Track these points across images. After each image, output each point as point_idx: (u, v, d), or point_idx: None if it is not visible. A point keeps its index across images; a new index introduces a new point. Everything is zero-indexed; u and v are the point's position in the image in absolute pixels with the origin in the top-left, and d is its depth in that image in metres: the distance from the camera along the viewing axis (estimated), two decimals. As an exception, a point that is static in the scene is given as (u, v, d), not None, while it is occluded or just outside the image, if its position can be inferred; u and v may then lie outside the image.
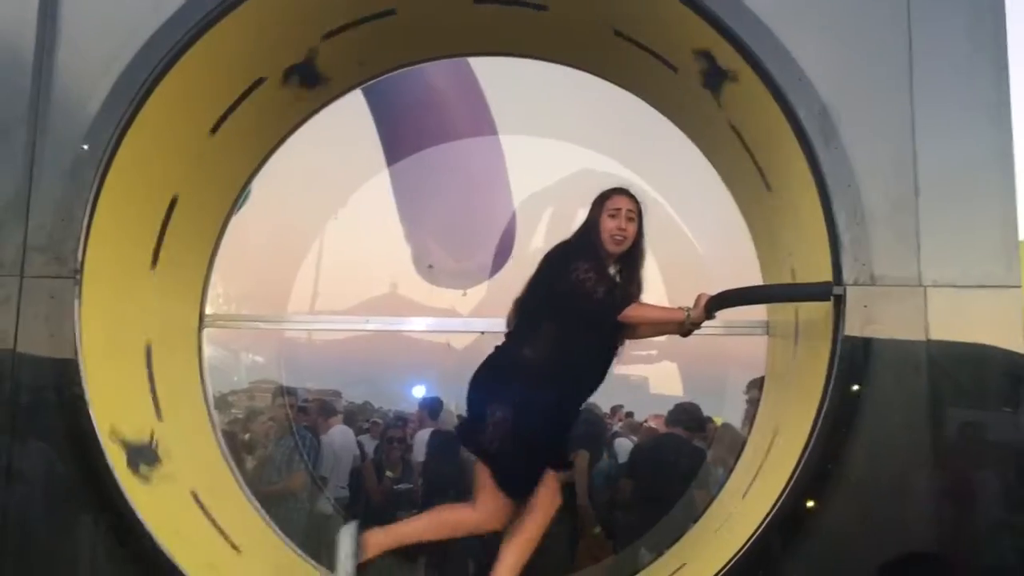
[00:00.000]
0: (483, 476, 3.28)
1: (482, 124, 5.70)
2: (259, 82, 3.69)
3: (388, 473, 6.10)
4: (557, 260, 3.36)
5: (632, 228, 3.38)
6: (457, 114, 5.69)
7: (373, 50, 3.97)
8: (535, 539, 3.28)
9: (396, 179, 5.78)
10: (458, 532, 3.39)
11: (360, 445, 6.26)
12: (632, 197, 3.43)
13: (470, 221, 5.93)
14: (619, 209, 3.38)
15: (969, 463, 3.03)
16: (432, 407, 6.70)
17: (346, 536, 3.23)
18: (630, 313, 3.25)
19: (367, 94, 5.19)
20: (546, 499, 3.29)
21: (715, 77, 3.40)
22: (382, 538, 3.29)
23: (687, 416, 5.55)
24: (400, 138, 5.72)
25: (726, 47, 3.20)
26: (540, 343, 3.23)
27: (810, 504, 2.94)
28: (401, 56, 4.17)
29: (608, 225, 3.36)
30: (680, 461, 5.33)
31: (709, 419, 6.24)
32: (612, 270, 3.39)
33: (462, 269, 5.86)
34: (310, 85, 3.94)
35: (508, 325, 3.42)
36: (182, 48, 3.27)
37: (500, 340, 3.42)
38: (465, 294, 5.79)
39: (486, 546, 3.59)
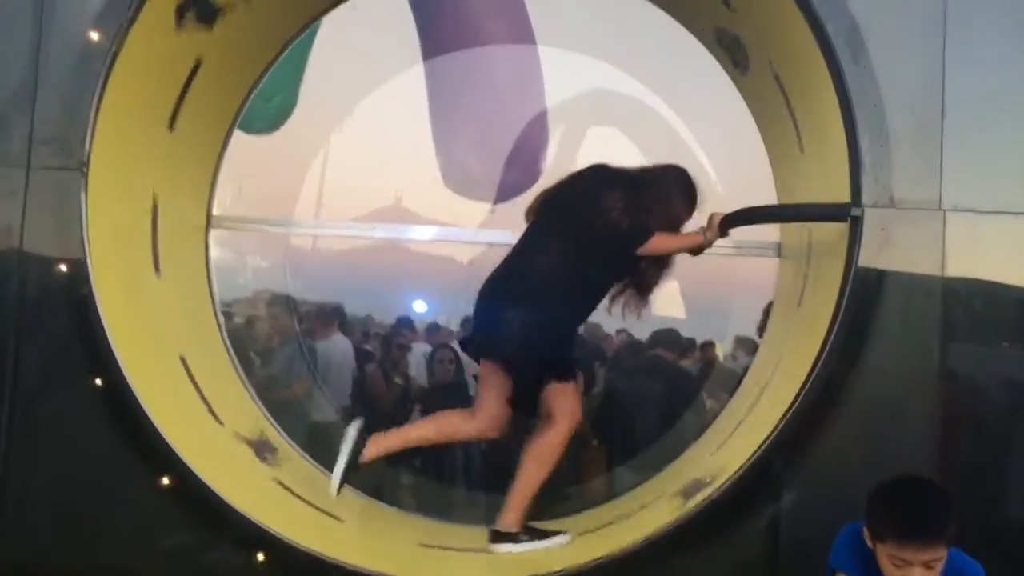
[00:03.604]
0: (484, 385, 3.37)
1: (521, 32, 5.45)
2: None
3: (397, 380, 6.16)
4: (594, 180, 3.34)
5: None
6: (496, 20, 5.48)
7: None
8: (557, 450, 3.32)
9: (431, 76, 5.51)
10: (457, 438, 3.50)
11: (360, 354, 6.28)
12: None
13: (502, 133, 5.66)
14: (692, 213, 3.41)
15: (975, 395, 3.02)
16: (430, 327, 6.72)
17: (352, 431, 3.29)
18: (651, 246, 3.26)
19: None
20: (567, 410, 3.32)
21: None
22: (384, 440, 3.35)
23: (668, 340, 5.59)
24: (437, 34, 5.48)
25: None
26: (549, 259, 3.23)
27: (811, 428, 2.95)
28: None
29: (681, 217, 3.38)
30: (665, 384, 5.38)
31: (711, 343, 6.29)
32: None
33: (489, 182, 5.69)
34: None
35: (527, 218, 3.41)
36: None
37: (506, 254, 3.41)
38: (493, 211, 5.66)
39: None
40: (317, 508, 3.41)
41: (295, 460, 3.82)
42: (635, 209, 3.23)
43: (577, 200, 3.30)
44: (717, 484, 2.99)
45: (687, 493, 3.19)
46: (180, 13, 3.30)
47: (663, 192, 3.34)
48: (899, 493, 2.36)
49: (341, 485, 3.23)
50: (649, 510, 3.39)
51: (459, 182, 5.69)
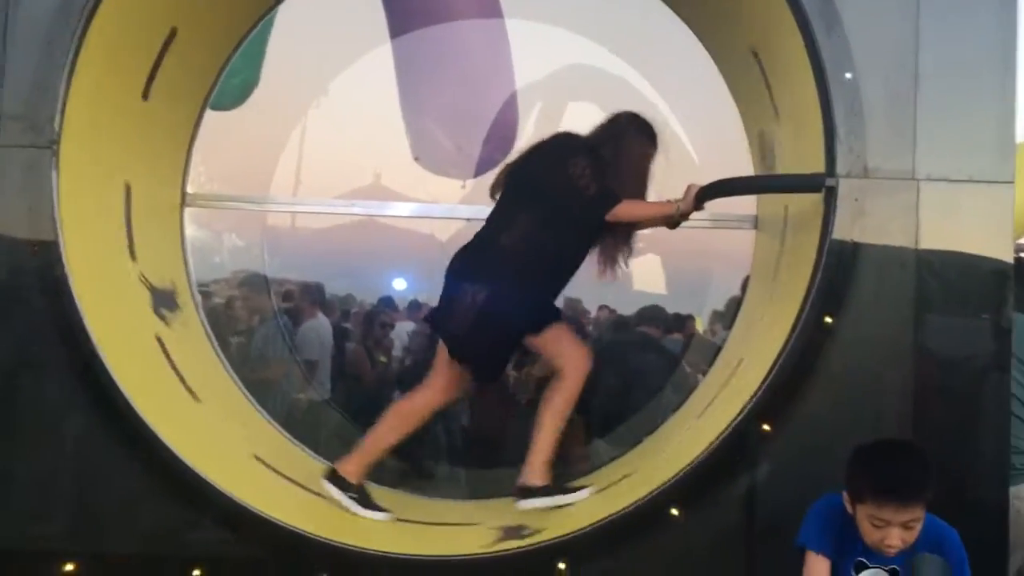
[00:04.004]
0: (439, 354, 3.41)
1: (488, 5, 5.48)
2: None
3: (381, 359, 6.17)
4: (558, 148, 3.33)
5: None
6: None
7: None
8: (571, 401, 3.32)
9: (399, 53, 5.54)
10: (422, 417, 3.48)
11: (341, 333, 6.28)
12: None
13: (472, 108, 5.74)
14: (654, 155, 3.45)
15: (948, 367, 3.05)
16: (411, 305, 6.73)
17: (326, 486, 3.33)
18: (619, 212, 3.25)
19: None
20: (570, 355, 3.32)
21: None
22: (355, 463, 3.39)
23: (653, 316, 5.64)
24: (406, 10, 5.49)
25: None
26: (517, 232, 3.24)
27: (787, 398, 2.98)
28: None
29: (642, 164, 3.42)
30: (650, 360, 5.42)
31: (690, 317, 6.33)
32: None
33: (462, 157, 5.71)
34: None
35: (492, 193, 3.43)
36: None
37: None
38: (464, 186, 5.70)
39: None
40: (298, 484, 3.42)
41: (274, 437, 3.82)
42: (601, 174, 3.24)
43: (542, 170, 3.31)
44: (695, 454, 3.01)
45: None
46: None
47: (620, 140, 3.37)
48: (879, 453, 2.42)
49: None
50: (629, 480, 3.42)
51: (431, 159, 5.72)
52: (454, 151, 5.67)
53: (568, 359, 3.31)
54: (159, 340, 3.43)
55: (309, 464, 3.72)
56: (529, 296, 3.27)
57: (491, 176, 3.57)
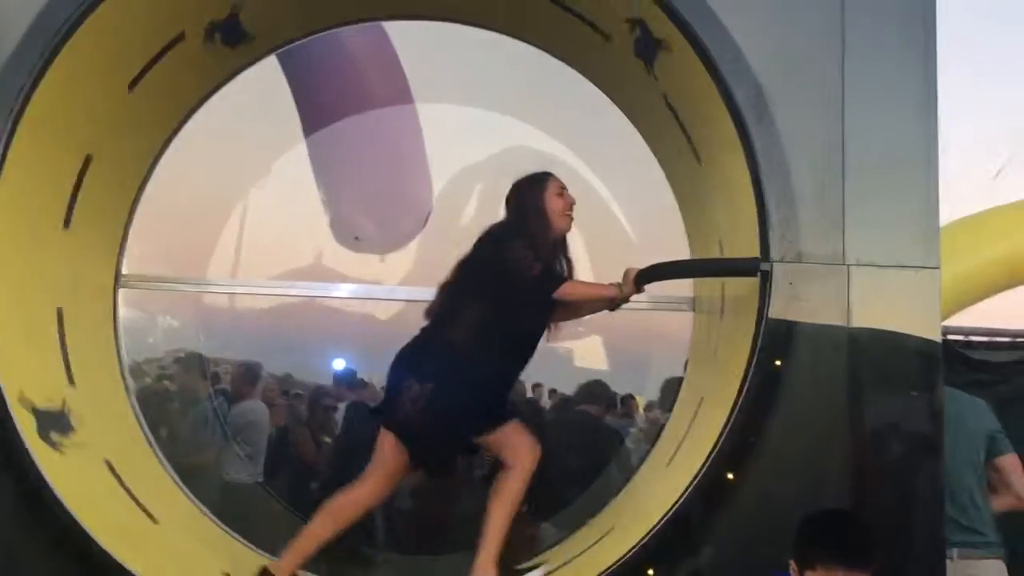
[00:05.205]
0: (381, 445, 3.32)
1: (399, 92, 5.71)
2: (180, 37, 3.55)
3: (326, 439, 6.07)
4: (493, 239, 3.36)
5: None
6: (374, 82, 5.65)
7: (302, 6, 3.87)
8: (520, 491, 3.27)
9: (313, 148, 5.74)
10: (357, 513, 3.39)
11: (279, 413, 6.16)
12: None
13: (387, 189, 5.92)
14: (563, 188, 3.44)
15: (882, 443, 3.11)
16: (348, 379, 6.65)
17: None
18: (565, 291, 3.29)
19: (283, 61, 5.10)
20: (523, 451, 3.28)
21: (648, 47, 3.42)
22: (288, 562, 3.29)
23: (596, 394, 5.64)
24: (318, 107, 5.65)
25: (660, 15, 3.21)
26: (466, 325, 3.21)
27: (730, 475, 3.00)
28: (334, 14, 4.06)
29: (557, 204, 3.41)
30: (593, 439, 5.40)
31: (631, 396, 6.36)
32: (551, 250, 3.39)
33: (380, 235, 5.86)
34: (233, 43, 3.79)
35: (428, 315, 3.37)
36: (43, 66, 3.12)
37: (424, 311, 3.38)
38: (383, 260, 5.80)
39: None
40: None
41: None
42: (541, 250, 3.27)
43: (488, 258, 3.31)
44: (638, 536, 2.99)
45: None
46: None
47: (537, 204, 3.39)
48: (827, 522, 2.53)
49: None
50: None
51: (349, 239, 5.93)
52: (370, 229, 5.84)
53: (517, 450, 3.28)
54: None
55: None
56: (483, 393, 3.24)
57: (409, 250, 3.59)
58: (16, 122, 3.08)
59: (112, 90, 3.45)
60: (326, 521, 3.33)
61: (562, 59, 4.07)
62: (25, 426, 3.01)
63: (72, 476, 3.08)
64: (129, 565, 2.94)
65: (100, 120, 3.46)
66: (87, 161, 3.45)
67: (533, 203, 3.40)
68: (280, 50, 4.23)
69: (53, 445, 3.12)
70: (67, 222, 3.44)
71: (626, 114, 4.05)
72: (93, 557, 2.92)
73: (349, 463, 5.65)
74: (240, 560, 3.47)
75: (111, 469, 3.33)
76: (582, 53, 3.93)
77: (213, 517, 3.77)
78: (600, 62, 3.90)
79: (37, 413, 3.10)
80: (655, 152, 4.05)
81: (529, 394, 6.58)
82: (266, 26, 3.85)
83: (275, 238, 6.66)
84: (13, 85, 3.09)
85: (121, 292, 3.86)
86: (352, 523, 3.39)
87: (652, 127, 3.95)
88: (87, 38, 3.17)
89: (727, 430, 3.01)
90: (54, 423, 3.17)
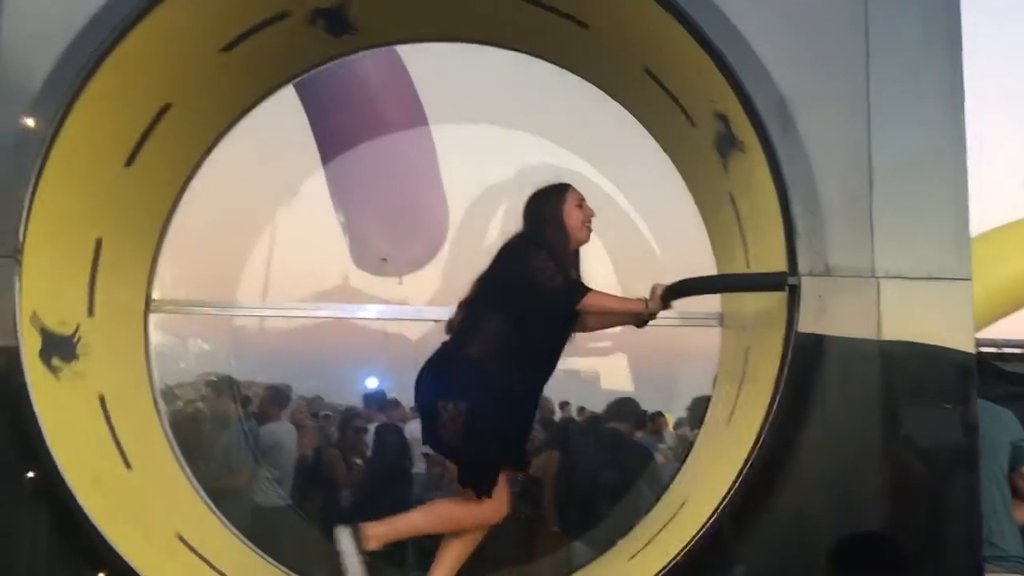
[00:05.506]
0: None
1: (414, 114, 5.78)
2: (284, 15, 3.57)
3: (357, 460, 6.08)
4: (513, 252, 3.34)
5: None
6: (388, 105, 5.73)
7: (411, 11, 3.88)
8: (475, 540, 3.26)
9: (331, 174, 5.85)
10: (459, 527, 3.29)
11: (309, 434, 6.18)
12: None
13: (404, 211, 6.01)
14: (582, 200, 3.43)
15: (917, 457, 3.06)
16: (378, 400, 6.68)
17: (343, 535, 3.14)
18: (588, 302, 3.23)
19: (299, 90, 5.18)
20: (491, 505, 3.22)
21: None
22: (382, 530, 3.21)
23: (625, 411, 5.61)
24: (334, 133, 5.74)
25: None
26: (486, 339, 3.19)
27: (762, 493, 2.96)
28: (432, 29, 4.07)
29: (577, 215, 3.39)
30: (623, 456, 5.37)
31: (660, 414, 6.31)
32: (571, 262, 3.39)
33: (398, 258, 5.91)
34: (336, 33, 3.82)
35: (448, 330, 3.36)
36: (136, 18, 3.15)
37: (445, 326, 3.39)
38: (401, 282, 5.85)
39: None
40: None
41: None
42: (561, 261, 3.26)
43: (509, 269, 3.30)
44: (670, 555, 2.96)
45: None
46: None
47: (556, 215, 3.37)
48: (860, 546, 2.50)
49: None
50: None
51: (370, 262, 6.06)
52: (389, 253, 5.97)
53: (488, 503, 3.20)
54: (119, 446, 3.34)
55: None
56: (513, 404, 3.22)
57: (436, 270, 3.59)
58: (52, 142, 3.10)
59: (204, 50, 3.48)
60: (426, 518, 3.31)
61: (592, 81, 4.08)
62: (29, 344, 3.03)
63: (60, 404, 3.08)
64: (86, 505, 2.93)
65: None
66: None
67: (552, 214, 3.39)
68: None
69: (52, 370, 3.13)
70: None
71: (647, 128, 4.05)
72: (56, 486, 2.92)
73: (380, 484, 5.71)
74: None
75: (102, 404, 3.34)
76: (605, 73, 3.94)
77: (241, 535, 3.78)
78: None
79: (45, 334, 3.12)
80: (677, 165, 4.04)
81: (558, 413, 6.57)
82: (372, 23, 3.86)
83: (303, 259, 6.71)
84: (49, 107, 3.10)
85: (152, 317, 3.90)
86: (451, 532, 3.30)
87: (675, 138, 3.94)
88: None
89: (758, 447, 2.97)
90: (59, 347, 3.19)
